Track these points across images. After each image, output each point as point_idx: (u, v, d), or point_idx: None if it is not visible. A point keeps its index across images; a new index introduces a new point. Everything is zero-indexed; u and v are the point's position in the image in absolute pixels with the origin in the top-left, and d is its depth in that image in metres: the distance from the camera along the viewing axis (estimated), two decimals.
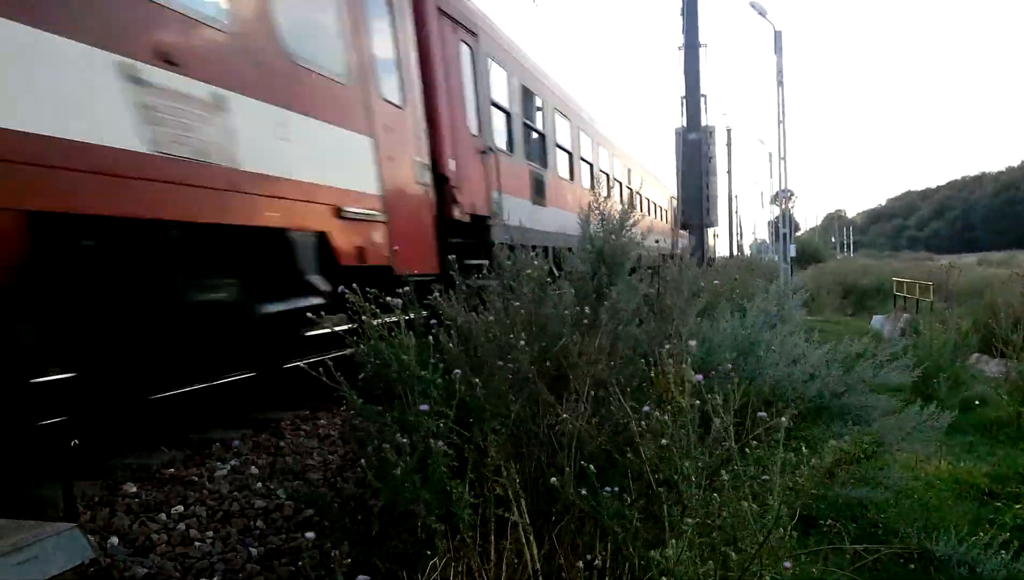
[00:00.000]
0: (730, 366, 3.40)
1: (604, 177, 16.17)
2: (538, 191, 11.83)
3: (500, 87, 10.59)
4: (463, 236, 8.51)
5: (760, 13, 21.94)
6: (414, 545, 3.10)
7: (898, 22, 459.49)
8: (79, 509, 3.73)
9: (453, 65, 8.76)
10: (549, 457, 3.62)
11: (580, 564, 2.95)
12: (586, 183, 15.14)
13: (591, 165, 15.63)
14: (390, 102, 7.03)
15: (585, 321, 3.49)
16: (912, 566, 3.66)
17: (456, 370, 3.33)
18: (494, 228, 9.12)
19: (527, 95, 11.97)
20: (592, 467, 3.01)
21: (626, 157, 20.13)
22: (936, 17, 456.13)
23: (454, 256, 4.54)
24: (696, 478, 2.69)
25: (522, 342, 3.56)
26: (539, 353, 3.73)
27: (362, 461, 3.53)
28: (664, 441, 2.95)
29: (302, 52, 5.57)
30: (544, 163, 12.53)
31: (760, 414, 2.65)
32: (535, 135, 12.45)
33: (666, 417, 2.66)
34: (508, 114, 10.86)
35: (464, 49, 9.17)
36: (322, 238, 5.52)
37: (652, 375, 3.38)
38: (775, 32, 22.23)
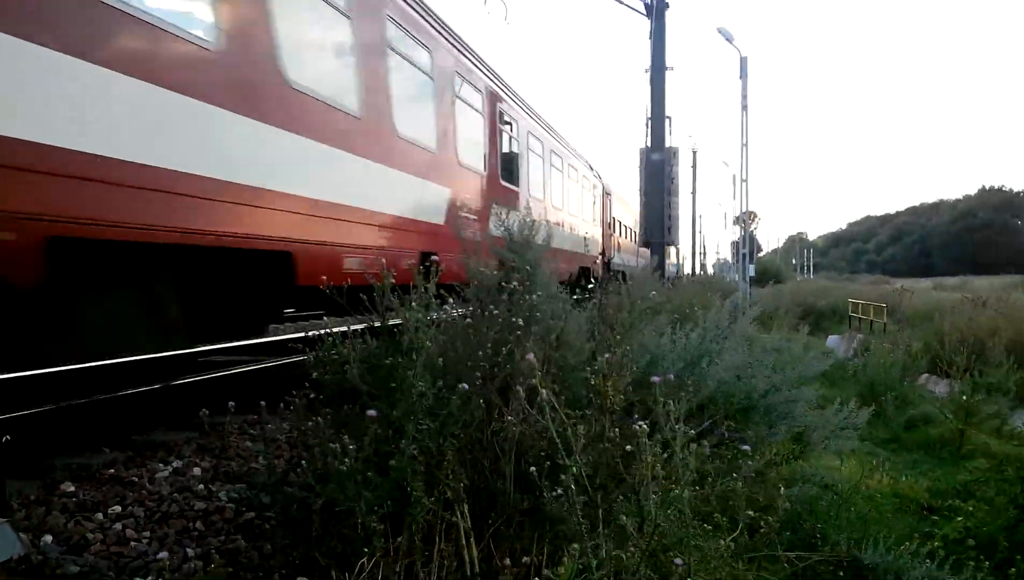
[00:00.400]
0: (672, 376, 3.46)
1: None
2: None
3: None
4: None
5: (727, 39, 22.30)
6: (351, 544, 3.10)
7: (862, 51, 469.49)
8: (13, 506, 3.68)
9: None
10: (492, 463, 3.65)
11: (520, 561, 2.97)
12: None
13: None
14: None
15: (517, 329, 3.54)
16: (842, 573, 3.74)
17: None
18: None
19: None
20: (534, 470, 3.05)
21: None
22: (899, 47, 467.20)
23: None
24: (632, 480, 2.73)
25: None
26: (487, 361, 3.78)
27: (304, 463, 3.55)
28: (606, 445, 3.01)
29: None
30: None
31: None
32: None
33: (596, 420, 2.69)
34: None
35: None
36: None
37: (593, 382, 3.43)
38: (741, 58, 22.60)
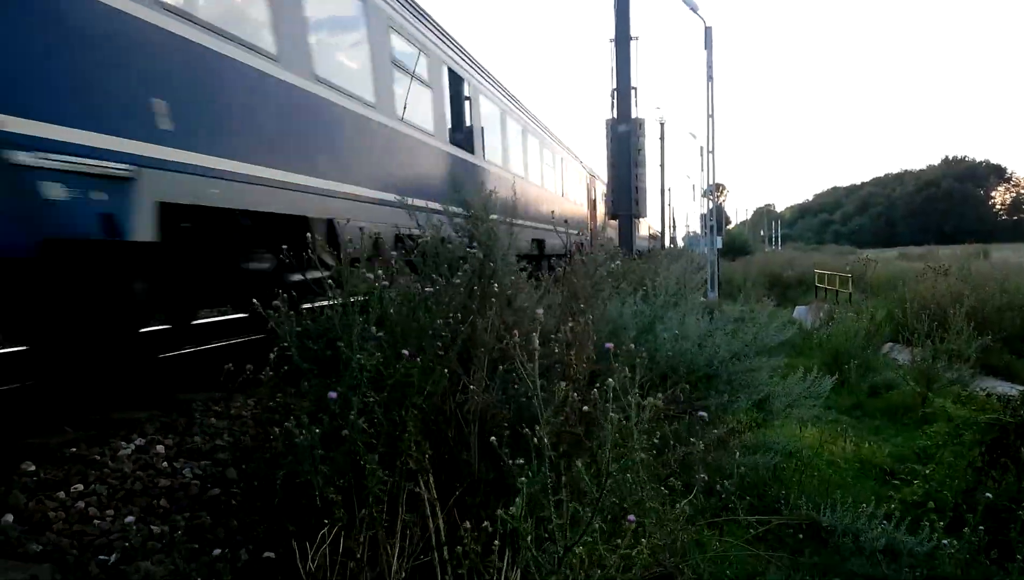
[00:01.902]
0: (632, 345, 3.48)
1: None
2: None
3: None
4: None
5: (691, 8, 22.25)
6: (313, 517, 3.10)
7: (828, 21, 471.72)
8: None
9: None
10: (456, 433, 3.66)
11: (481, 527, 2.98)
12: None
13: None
14: None
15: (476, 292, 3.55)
16: (801, 536, 3.81)
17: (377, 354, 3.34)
18: None
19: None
20: (493, 439, 3.07)
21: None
22: (864, 17, 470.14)
23: None
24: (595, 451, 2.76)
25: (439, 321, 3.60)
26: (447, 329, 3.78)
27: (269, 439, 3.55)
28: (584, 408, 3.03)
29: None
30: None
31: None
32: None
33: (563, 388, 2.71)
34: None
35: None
36: None
37: (556, 351, 3.45)
38: (705, 28, 22.55)
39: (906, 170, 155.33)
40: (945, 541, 3.75)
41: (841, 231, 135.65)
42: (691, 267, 5.13)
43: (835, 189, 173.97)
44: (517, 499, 2.04)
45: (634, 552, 1.98)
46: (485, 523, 2.98)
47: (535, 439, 2.73)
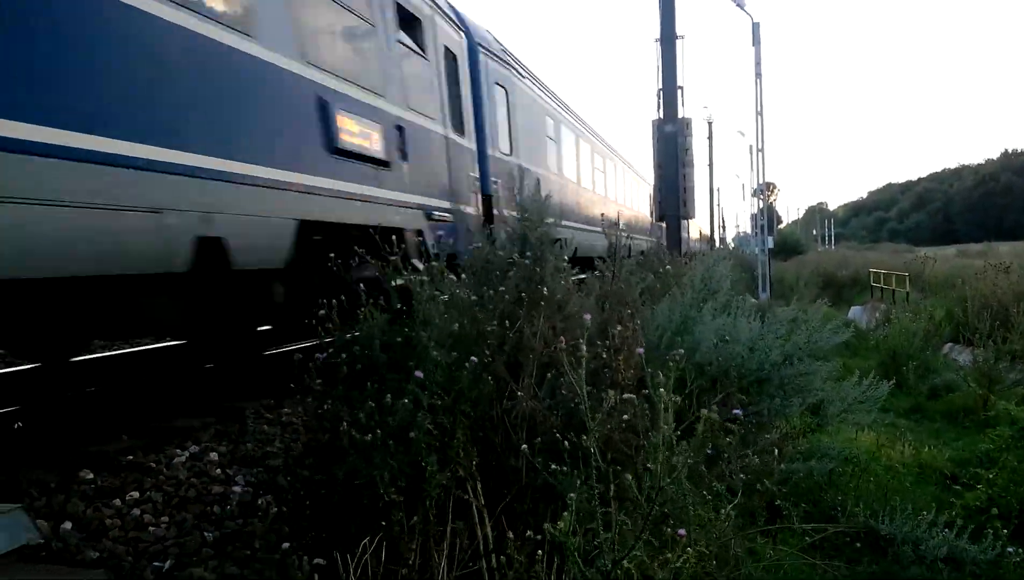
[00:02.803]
0: (682, 351, 3.43)
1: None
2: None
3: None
4: None
5: (738, 4, 21.98)
6: (368, 521, 3.11)
7: (879, 13, 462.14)
8: (32, 493, 3.72)
9: None
10: (504, 440, 3.65)
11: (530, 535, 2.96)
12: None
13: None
14: None
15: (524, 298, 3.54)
16: (858, 544, 3.71)
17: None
18: None
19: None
20: (539, 440, 3.06)
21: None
22: (918, 9, 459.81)
23: None
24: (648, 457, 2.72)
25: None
26: (497, 336, 3.77)
27: (327, 436, 3.58)
28: (626, 416, 3.00)
29: None
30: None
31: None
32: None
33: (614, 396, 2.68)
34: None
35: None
36: None
37: (604, 356, 3.42)
38: (753, 24, 22.29)
39: (963, 165, 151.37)
40: (1010, 549, 3.62)
41: (897, 229, 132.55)
42: (726, 265, 5.02)
43: (890, 186, 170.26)
44: (564, 514, 2.01)
45: (680, 562, 1.94)
46: (529, 533, 2.96)
47: (582, 448, 2.71)
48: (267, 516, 3.26)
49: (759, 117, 22.34)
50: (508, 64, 12.20)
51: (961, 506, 5.02)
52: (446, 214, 8.50)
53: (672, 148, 16.45)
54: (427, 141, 8.22)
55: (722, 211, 72.80)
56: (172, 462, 4.31)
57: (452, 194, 8.86)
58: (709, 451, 3.07)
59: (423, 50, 8.27)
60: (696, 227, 46.07)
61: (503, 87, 11.70)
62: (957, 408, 8.59)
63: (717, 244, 56.21)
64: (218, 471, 4.27)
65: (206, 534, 3.61)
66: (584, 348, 2.44)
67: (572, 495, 2.12)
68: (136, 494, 3.89)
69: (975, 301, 11.31)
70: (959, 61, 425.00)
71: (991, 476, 5.43)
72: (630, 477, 2.19)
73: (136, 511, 3.71)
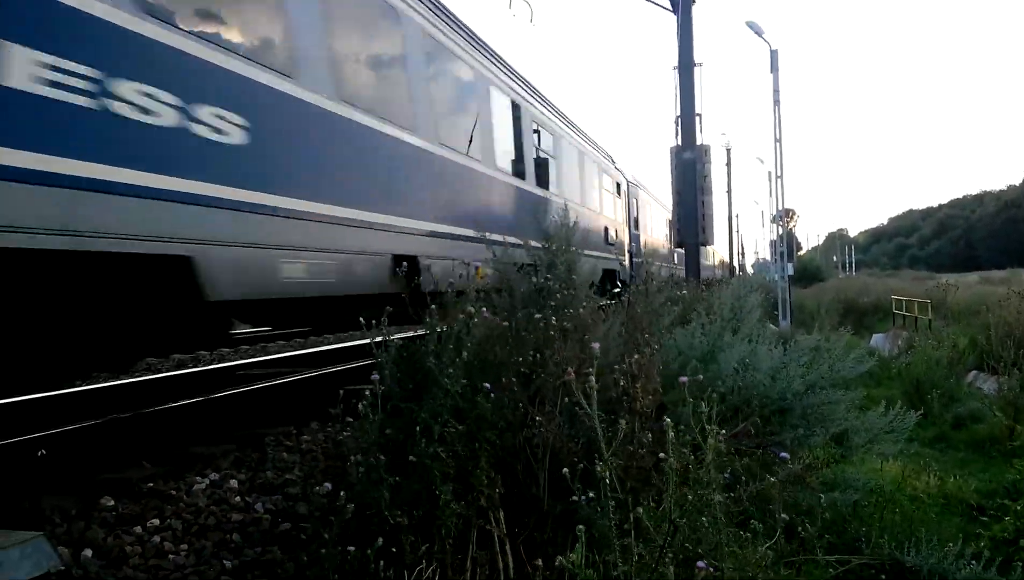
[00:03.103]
0: (700, 376, 3.41)
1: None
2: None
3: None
4: None
5: (756, 32, 22.10)
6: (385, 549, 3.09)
7: (898, 40, 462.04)
8: (55, 520, 3.74)
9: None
10: (525, 468, 3.63)
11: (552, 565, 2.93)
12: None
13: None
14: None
15: (541, 324, 3.54)
16: (884, 576, 3.65)
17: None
18: None
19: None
20: (566, 471, 3.03)
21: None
22: (937, 35, 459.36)
23: None
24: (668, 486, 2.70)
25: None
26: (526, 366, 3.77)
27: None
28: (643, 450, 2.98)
29: None
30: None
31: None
32: None
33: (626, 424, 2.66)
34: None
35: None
36: None
37: (622, 383, 3.40)
38: (771, 51, 22.36)
39: (986, 191, 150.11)
40: None
41: (918, 255, 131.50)
42: (746, 289, 5.00)
43: (911, 212, 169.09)
44: (577, 546, 2.00)
45: None
46: (558, 559, 2.93)
47: (597, 476, 2.69)
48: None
49: (777, 144, 22.36)
50: (638, 185, 23.76)
51: (988, 537, 4.93)
52: (626, 263, 19.18)
53: (691, 175, 16.49)
54: (623, 232, 19.42)
55: (741, 238, 72.66)
56: (192, 489, 4.32)
57: (625, 253, 19.66)
58: (726, 477, 3.05)
59: (618, 192, 19.62)
60: (715, 254, 45.94)
61: (636, 198, 22.99)
62: (983, 438, 8.45)
63: (737, 271, 55.99)
64: (237, 499, 4.28)
65: (225, 562, 3.61)
66: (593, 379, 2.42)
67: (581, 527, 2.10)
68: (156, 521, 3.90)
69: (999, 328, 11.17)
70: (981, 86, 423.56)
71: (1019, 508, 5.33)
72: (641, 510, 2.17)
73: (156, 538, 3.72)
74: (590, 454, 3.46)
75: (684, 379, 2.65)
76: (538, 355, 3.68)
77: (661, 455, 2.86)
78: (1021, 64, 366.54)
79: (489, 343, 3.80)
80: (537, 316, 3.71)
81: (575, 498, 3.01)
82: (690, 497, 2.15)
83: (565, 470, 3.03)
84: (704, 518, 2.29)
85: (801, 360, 4.03)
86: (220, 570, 3.53)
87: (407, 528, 3.00)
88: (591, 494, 3.04)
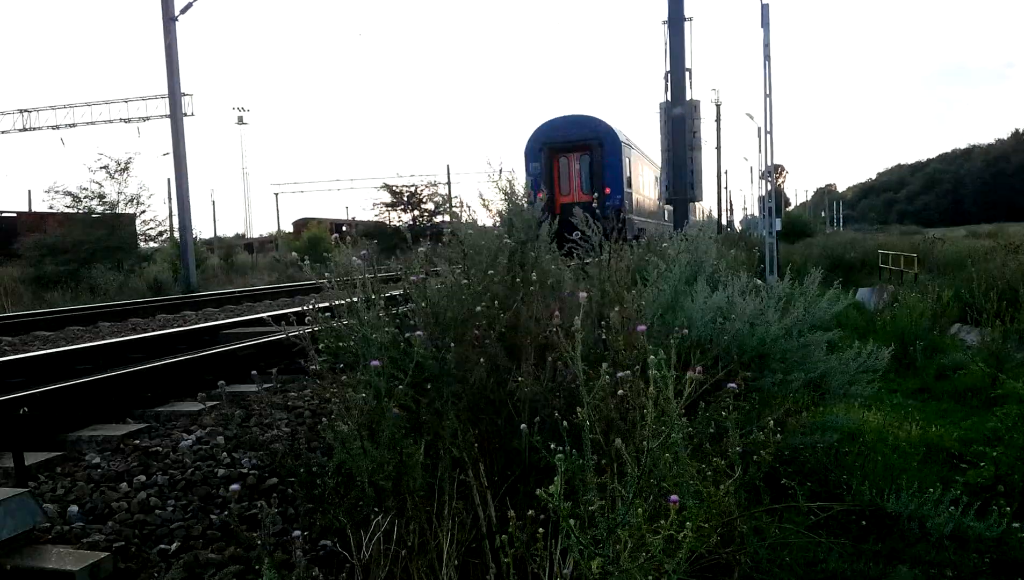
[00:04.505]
0: (687, 330, 3.42)
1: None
2: None
3: None
4: None
5: None
6: (364, 505, 3.12)
7: None
8: (39, 477, 3.75)
9: None
10: (507, 422, 3.65)
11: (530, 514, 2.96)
12: None
13: None
14: None
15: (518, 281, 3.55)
16: (864, 522, 3.70)
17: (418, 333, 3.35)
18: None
19: None
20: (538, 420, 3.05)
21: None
22: None
23: None
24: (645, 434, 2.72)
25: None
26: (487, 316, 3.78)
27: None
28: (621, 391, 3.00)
29: None
30: None
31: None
32: None
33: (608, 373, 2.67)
34: None
35: None
36: None
37: (604, 337, 3.41)
38: (762, 5, 22.11)
39: (974, 145, 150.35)
40: (1015, 524, 3.61)
41: (906, 210, 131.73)
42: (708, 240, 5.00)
43: (899, 167, 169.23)
44: (556, 478, 2.03)
45: (681, 535, 1.93)
46: (531, 512, 2.96)
47: (579, 423, 2.71)
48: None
49: (767, 99, 22.19)
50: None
51: (965, 483, 5.01)
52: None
53: (680, 131, 16.42)
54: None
55: (730, 194, 72.63)
56: (178, 446, 4.33)
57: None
58: (711, 431, 3.08)
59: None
60: (704, 210, 45.93)
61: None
62: (965, 388, 8.53)
63: (725, 227, 56.09)
64: (224, 455, 4.29)
65: (212, 516, 3.63)
66: (579, 323, 2.43)
67: (560, 456, 2.13)
68: (143, 478, 3.91)
69: (983, 281, 11.23)
70: (970, 40, 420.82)
71: (996, 454, 5.41)
72: (620, 440, 2.19)
73: (143, 494, 3.73)
74: (571, 408, 3.49)
75: (642, 328, 2.69)
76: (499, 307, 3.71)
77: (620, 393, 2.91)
78: (1011, 21, 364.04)
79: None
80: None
81: (554, 446, 3.04)
82: (664, 430, 2.17)
83: (523, 426, 3.07)
84: (668, 455, 2.31)
85: (777, 305, 4.04)
86: (207, 524, 3.56)
87: (387, 492, 3.02)
88: (562, 448, 3.08)
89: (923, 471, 5.25)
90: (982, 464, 5.23)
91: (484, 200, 4.46)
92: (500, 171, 4.44)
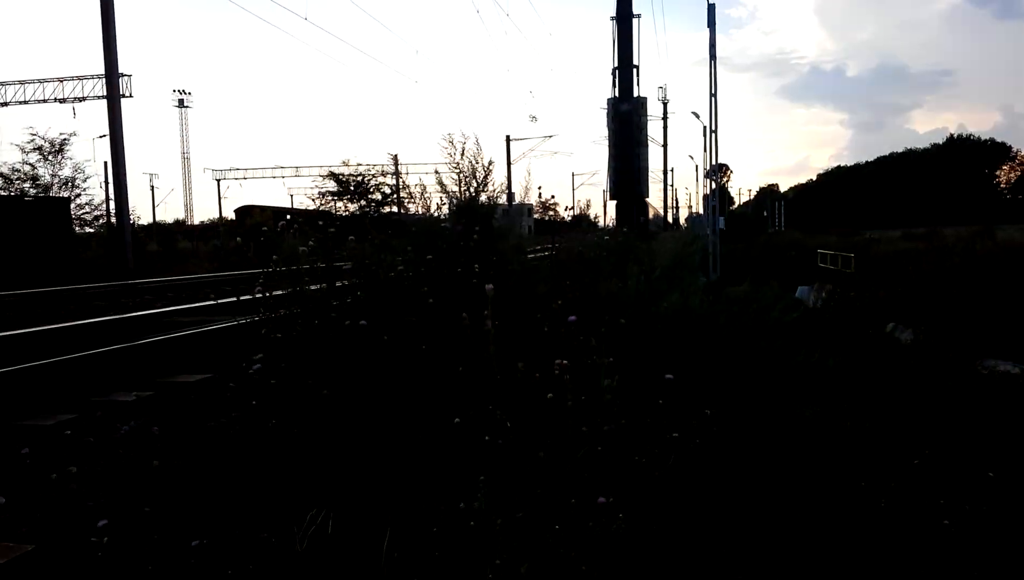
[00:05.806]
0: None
1: None
2: None
3: None
4: None
5: None
6: None
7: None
8: None
9: None
10: None
11: None
12: None
13: None
14: None
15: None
16: None
17: None
18: None
19: None
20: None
21: None
22: None
23: None
24: None
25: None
26: None
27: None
28: None
29: None
30: None
31: None
32: None
33: None
34: None
35: None
36: None
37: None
38: (709, 5, 22.45)
39: (910, 149, 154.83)
40: None
41: (846, 211, 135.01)
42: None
43: (839, 168, 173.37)
44: None
45: None
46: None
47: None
48: None
49: (712, 99, 22.56)
50: None
51: None
52: None
53: (627, 127, 16.57)
54: None
55: (675, 192, 73.59)
56: (112, 438, 4.22)
57: None
58: None
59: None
60: (651, 208, 46.59)
61: None
62: None
63: (671, 225, 56.84)
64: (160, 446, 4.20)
65: (146, 508, 3.55)
66: None
67: None
68: (74, 468, 3.80)
69: (917, 282, 11.60)
70: (908, 49, 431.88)
71: None
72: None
73: (73, 486, 3.63)
74: None
75: (572, 318, 2.83)
76: None
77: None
78: (949, 28, 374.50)
79: None
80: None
81: None
82: None
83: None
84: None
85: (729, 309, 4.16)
86: (140, 515, 3.48)
87: None
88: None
89: None
90: None
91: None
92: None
